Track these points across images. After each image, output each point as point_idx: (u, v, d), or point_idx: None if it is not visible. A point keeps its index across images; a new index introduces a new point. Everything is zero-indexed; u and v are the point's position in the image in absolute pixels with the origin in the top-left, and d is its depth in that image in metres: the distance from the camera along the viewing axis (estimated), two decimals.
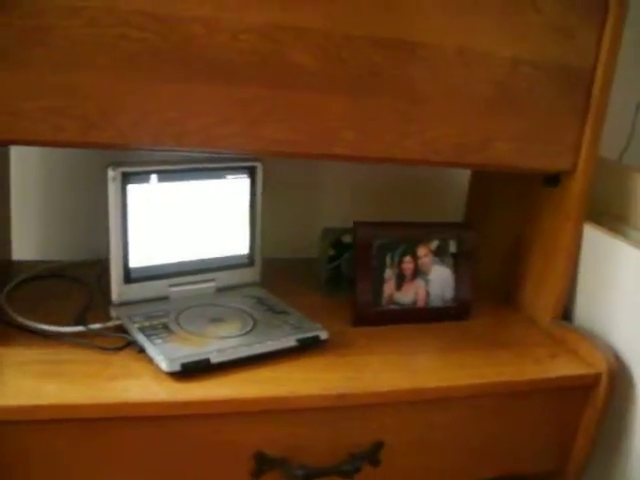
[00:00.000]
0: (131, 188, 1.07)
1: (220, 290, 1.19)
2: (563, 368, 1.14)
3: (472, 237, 1.26)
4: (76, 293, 1.18)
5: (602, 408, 1.14)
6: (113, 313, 1.08)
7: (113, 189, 1.05)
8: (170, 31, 0.91)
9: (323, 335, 1.08)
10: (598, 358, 1.14)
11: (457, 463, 1.12)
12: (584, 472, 1.20)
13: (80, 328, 1.04)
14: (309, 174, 1.50)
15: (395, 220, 1.24)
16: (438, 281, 1.24)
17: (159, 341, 0.99)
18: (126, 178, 1.06)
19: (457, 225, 1.36)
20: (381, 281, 1.20)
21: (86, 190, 1.34)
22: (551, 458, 1.19)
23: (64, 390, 0.90)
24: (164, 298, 1.13)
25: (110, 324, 1.06)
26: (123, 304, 1.10)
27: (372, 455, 1.02)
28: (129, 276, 1.10)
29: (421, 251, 1.22)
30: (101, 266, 1.16)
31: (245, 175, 1.18)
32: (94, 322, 1.06)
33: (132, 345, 1.01)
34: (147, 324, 1.04)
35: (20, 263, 1.28)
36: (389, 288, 1.21)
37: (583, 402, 1.15)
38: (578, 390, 1.14)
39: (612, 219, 1.26)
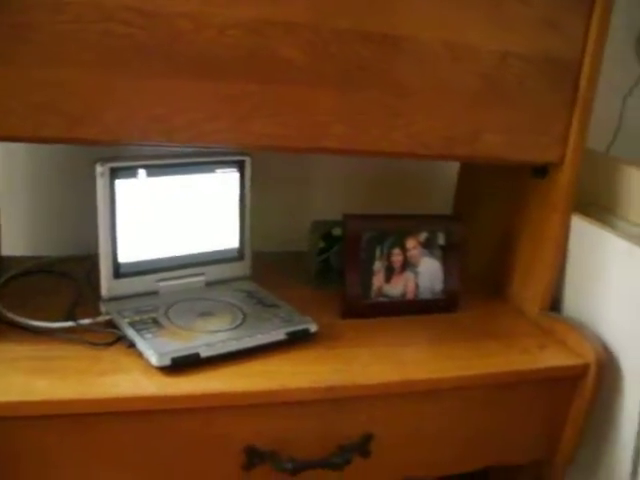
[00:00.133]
0: (119, 183, 1.07)
1: (210, 284, 1.19)
2: (551, 359, 1.15)
3: (460, 229, 1.26)
4: (65, 288, 1.18)
5: (590, 398, 1.14)
6: (103, 308, 1.08)
7: (101, 184, 1.05)
8: (157, 26, 0.91)
9: (312, 328, 1.08)
10: (586, 349, 1.14)
11: (447, 454, 1.13)
12: (572, 462, 1.21)
13: (70, 324, 1.04)
14: (299, 167, 1.50)
15: (385, 213, 1.24)
16: (427, 273, 1.24)
17: (149, 336, 1.00)
18: (114, 173, 1.06)
19: (446, 217, 1.36)
20: (370, 273, 1.20)
21: (75, 185, 1.34)
22: (540, 448, 1.19)
23: (54, 386, 0.90)
24: (154, 293, 1.13)
25: (100, 319, 1.06)
26: (113, 299, 1.10)
27: (362, 447, 1.03)
28: (118, 271, 1.10)
29: (410, 243, 1.22)
30: (90, 261, 1.16)
31: (234, 169, 1.18)
32: (84, 317, 1.05)
33: (122, 340, 1.02)
34: (137, 319, 1.04)
35: (9, 259, 1.28)
36: (378, 280, 1.21)
37: (571, 392, 1.15)
38: (566, 381, 1.14)
39: (600, 210, 1.27)
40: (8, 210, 1.31)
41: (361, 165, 1.50)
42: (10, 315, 1.04)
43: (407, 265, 1.23)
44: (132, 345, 0.99)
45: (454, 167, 1.54)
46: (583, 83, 1.15)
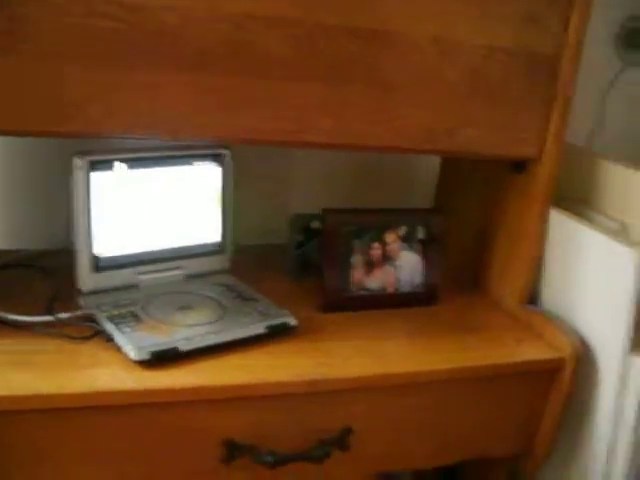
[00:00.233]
0: (97, 176, 1.06)
1: (189, 278, 1.19)
2: (529, 352, 1.16)
3: (440, 223, 1.27)
4: (44, 282, 1.17)
5: (567, 392, 1.15)
6: (81, 302, 1.08)
7: (79, 178, 1.05)
8: (142, 20, 0.91)
9: (292, 322, 1.08)
10: (564, 342, 1.15)
11: (426, 447, 1.13)
12: (549, 455, 1.22)
13: (49, 318, 1.03)
14: (280, 161, 1.49)
15: (365, 206, 1.25)
16: (407, 267, 1.25)
17: (128, 330, 0.99)
18: (92, 166, 1.05)
19: (425, 211, 1.37)
20: (349, 267, 1.21)
21: (53, 178, 1.32)
22: (518, 441, 1.20)
23: (33, 380, 0.90)
24: (133, 286, 1.13)
25: (79, 313, 1.05)
26: (91, 293, 1.09)
27: (342, 440, 1.03)
28: (97, 265, 1.10)
29: (389, 237, 1.22)
30: (69, 255, 1.15)
31: (214, 162, 1.18)
32: (63, 312, 1.05)
33: (101, 334, 1.01)
34: (116, 313, 1.04)
35: None
36: (358, 274, 1.21)
37: (548, 386, 1.16)
38: (544, 374, 1.15)
39: (578, 204, 1.28)
40: None
41: (343, 158, 1.49)
42: None
43: (387, 259, 1.23)
44: (111, 339, 0.99)
45: (435, 161, 1.54)
46: (563, 78, 1.16)
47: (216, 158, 1.18)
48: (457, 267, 1.39)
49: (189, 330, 1.01)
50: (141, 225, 1.13)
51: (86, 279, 1.09)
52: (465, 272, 1.39)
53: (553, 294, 1.26)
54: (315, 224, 1.30)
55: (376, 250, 1.22)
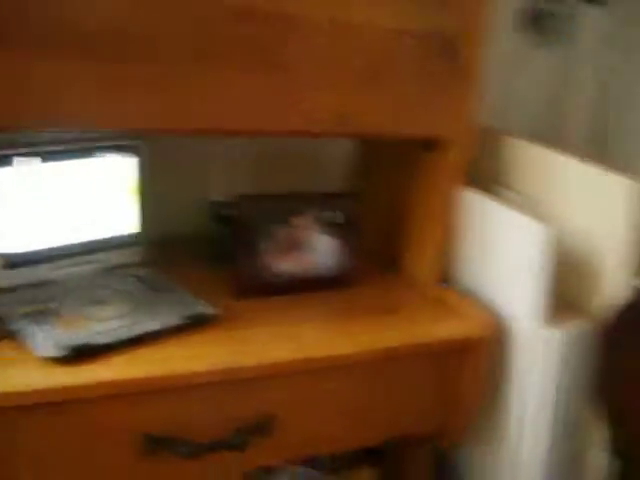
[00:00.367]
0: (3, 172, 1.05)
1: (105, 271, 1.18)
2: (445, 331, 1.17)
3: (354, 205, 1.27)
4: None
5: (483, 369, 1.18)
6: None
7: None
8: (35, 6, 0.88)
9: (208, 311, 1.08)
10: (479, 320, 1.18)
11: (348, 429, 1.14)
12: (467, 434, 1.24)
13: None
14: (198, 149, 1.48)
15: (279, 191, 1.25)
16: (321, 250, 1.25)
17: (41, 327, 0.98)
18: None
19: (339, 194, 1.36)
20: (262, 253, 1.21)
21: None
22: (437, 419, 1.22)
23: None
24: (47, 282, 1.11)
25: None
26: (3, 291, 1.08)
27: (262, 427, 1.04)
28: (9, 262, 1.08)
29: (303, 221, 1.22)
30: None
31: (127, 153, 1.17)
32: None
33: (14, 332, 1.00)
34: (29, 310, 1.03)
35: None
36: (271, 259, 1.21)
37: (466, 363, 1.18)
38: (460, 351, 1.17)
39: (489, 182, 1.30)
40: None
41: (259, 145, 1.50)
42: None
43: (300, 243, 1.23)
44: (24, 337, 0.98)
45: (349, 144, 1.54)
46: (470, 59, 1.18)
47: (130, 149, 1.17)
48: (373, 249, 1.40)
49: (103, 324, 1.01)
50: (54, 220, 1.12)
51: None
52: (381, 254, 1.40)
53: (468, 272, 1.28)
54: (230, 211, 1.30)
55: (289, 235, 1.22)
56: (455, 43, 1.16)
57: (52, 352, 0.93)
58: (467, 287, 1.28)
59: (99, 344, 0.97)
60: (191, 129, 1.05)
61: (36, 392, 0.90)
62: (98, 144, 1.14)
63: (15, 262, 1.09)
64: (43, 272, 1.12)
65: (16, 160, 1.05)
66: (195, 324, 1.06)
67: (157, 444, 0.97)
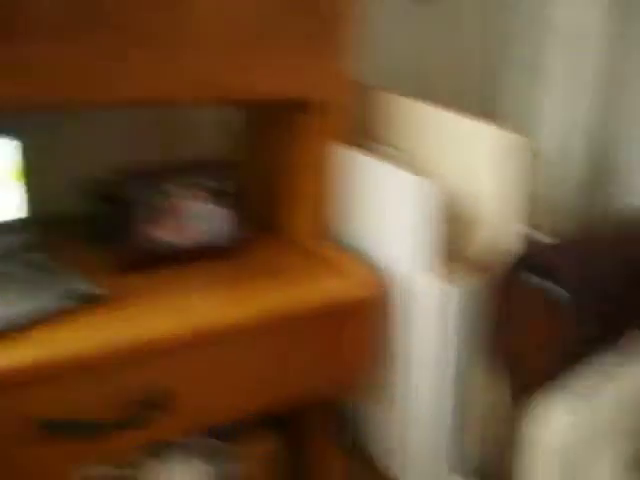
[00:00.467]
0: None
1: None
2: (330, 290, 1.19)
3: (237, 172, 1.28)
4: None
5: (374, 325, 1.21)
6: None
7: None
8: None
9: (94, 290, 1.08)
10: (362, 275, 1.21)
11: (245, 396, 1.15)
12: (357, 390, 1.28)
13: None
14: (76, 127, 1.45)
15: (161, 161, 1.24)
16: (205, 219, 1.25)
17: None
18: None
19: (220, 162, 1.36)
20: (147, 225, 1.20)
21: None
22: (334, 381, 1.23)
23: None
24: None
25: None
26: None
27: (160, 403, 1.04)
28: None
29: (184, 191, 1.22)
30: None
31: (6, 135, 1.15)
32: None
33: None
34: None
35: None
36: (155, 231, 1.21)
37: (356, 322, 1.20)
38: (347, 309, 1.19)
39: (366, 139, 1.32)
40: None
41: (144, 115, 1.48)
42: None
43: (182, 213, 1.23)
44: None
45: (230, 110, 1.54)
46: (333, 14, 1.18)
47: (9, 132, 1.15)
48: (259, 215, 1.42)
49: None
50: None
51: None
52: (267, 219, 1.42)
53: (350, 229, 1.31)
54: (113, 187, 1.28)
55: (170, 205, 1.21)
56: (327, 1, 1.17)
57: None
58: (350, 244, 1.30)
59: None
60: (53, 104, 1.05)
61: None
62: None
63: None
64: None
65: None
66: (83, 304, 1.06)
67: (58, 428, 0.97)
